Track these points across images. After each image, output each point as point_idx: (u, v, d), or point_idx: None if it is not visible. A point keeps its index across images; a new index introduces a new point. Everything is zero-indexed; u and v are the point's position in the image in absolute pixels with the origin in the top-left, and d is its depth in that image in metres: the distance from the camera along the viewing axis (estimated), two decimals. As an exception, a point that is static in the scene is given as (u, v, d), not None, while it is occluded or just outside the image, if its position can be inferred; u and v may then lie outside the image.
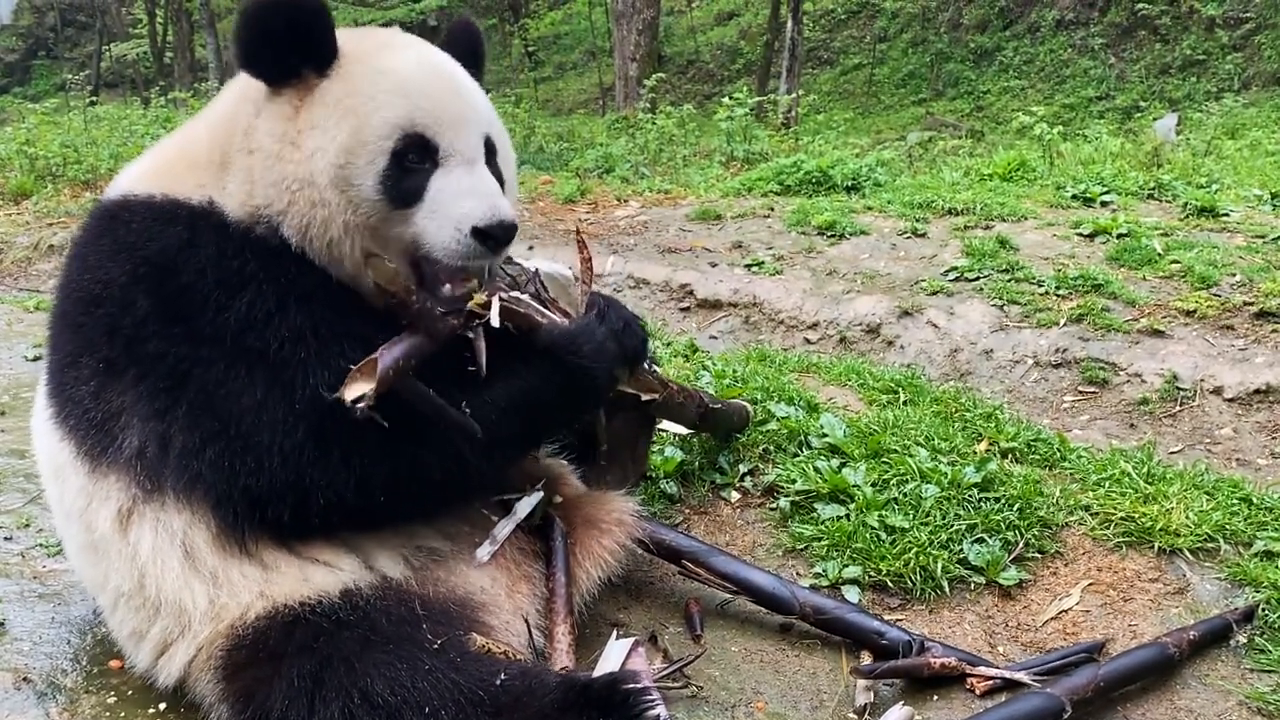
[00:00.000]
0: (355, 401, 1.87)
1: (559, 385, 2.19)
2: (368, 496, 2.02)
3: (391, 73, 2.09)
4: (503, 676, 1.94)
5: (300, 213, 2.03)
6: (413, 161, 2.06)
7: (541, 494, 2.39)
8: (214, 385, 1.98)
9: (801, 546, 2.94)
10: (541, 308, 2.24)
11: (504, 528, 2.32)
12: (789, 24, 17.03)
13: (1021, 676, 2.40)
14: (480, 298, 2.06)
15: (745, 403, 3.40)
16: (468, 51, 2.38)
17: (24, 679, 2.20)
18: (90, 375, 2.05)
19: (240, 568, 2.04)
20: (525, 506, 2.35)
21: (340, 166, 2.01)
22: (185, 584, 2.02)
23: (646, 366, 2.61)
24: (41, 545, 2.82)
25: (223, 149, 2.12)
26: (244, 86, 2.16)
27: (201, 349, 1.98)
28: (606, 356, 2.25)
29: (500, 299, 2.09)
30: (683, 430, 3.20)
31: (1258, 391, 4.53)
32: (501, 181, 2.23)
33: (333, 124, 2.03)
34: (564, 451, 2.65)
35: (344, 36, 2.13)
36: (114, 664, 2.29)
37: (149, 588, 2.04)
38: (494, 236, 2.05)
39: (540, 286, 2.41)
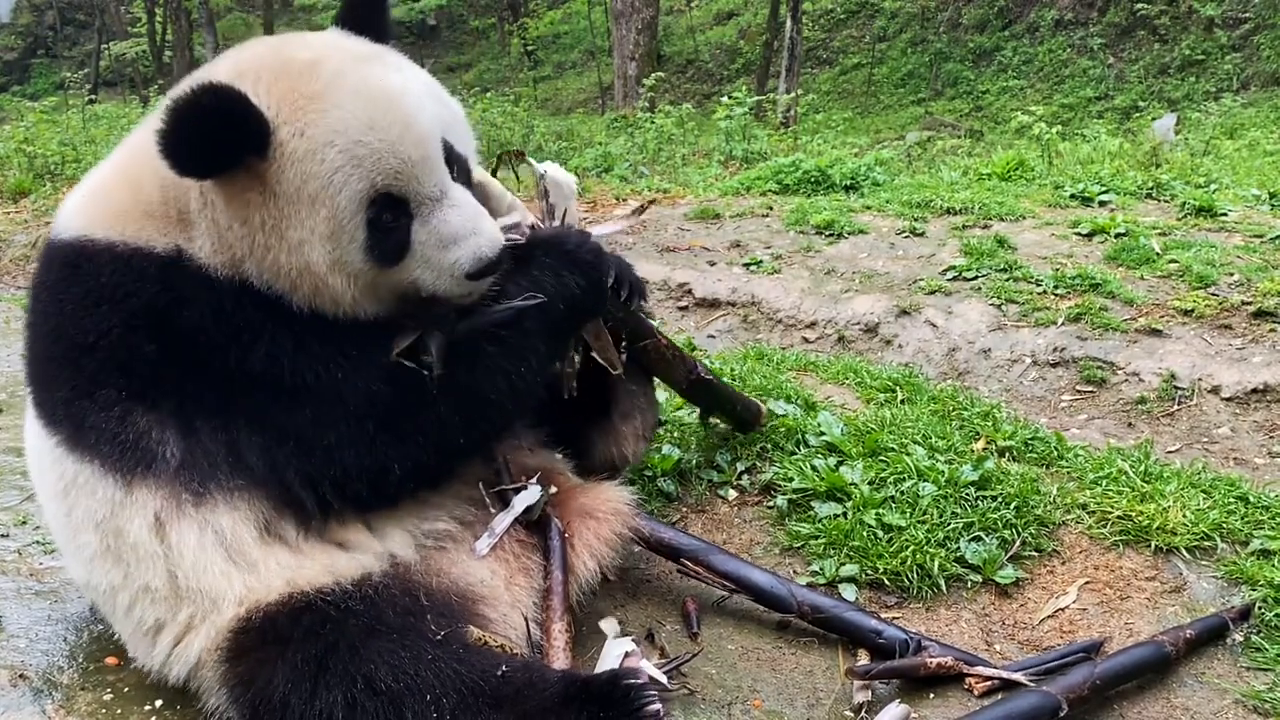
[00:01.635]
0: (413, 351, 2.04)
1: (560, 274, 2.22)
2: (444, 450, 2.13)
3: (334, 141, 1.96)
4: (504, 669, 1.96)
5: (306, 295, 2.04)
6: (388, 222, 2.03)
7: (540, 490, 2.39)
8: (263, 408, 2.04)
9: (799, 544, 2.94)
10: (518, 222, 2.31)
11: (502, 521, 2.33)
12: (788, 23, 17.04)
13: (1018, 677, 2.40)
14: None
15: (759, 402, 3.36)
16: (368, 20, 2.25)
17: (20, 676, 2.21)
18: (111, 403, 2.05)
19: (277, 557, 2.08)
20: (523, 501, 2.36)
21: (330, 252, 2.00)
22: (224, 574, 2.06)
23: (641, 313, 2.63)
24: (38, 542, 2.82)
25: (179, 209, 2.06)
26: None
27: (235, 383, 2.03)
28: (593, 243, 2.29)
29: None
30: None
31: (1255, 391, 4.53)
32: (468, 175, 2.21)
33: (305, 215, 1.98)
34: (578, 412, 2.63)
35: (261, 89, 1.97)
36: (110, 661, 2.29)
37: (182, 580, 2.06)
38: (485, 272, 2.10)
39: (544, 190, 2.49)
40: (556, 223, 2.48)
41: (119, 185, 2.18)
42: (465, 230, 2.06)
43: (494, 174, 2.54)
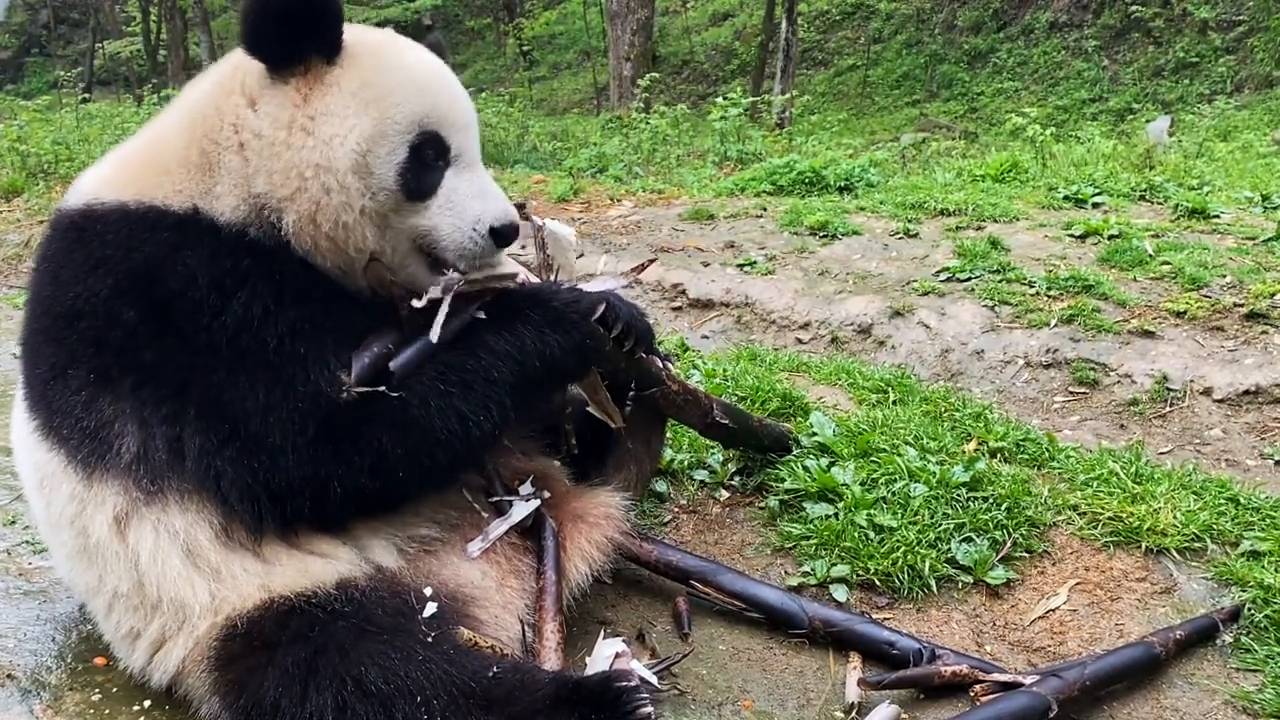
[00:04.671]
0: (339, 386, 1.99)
1: (543, 331, 2.19)
2: (384, 477, 2.06)
3: (406, 70, 2.14)
4: (495, 670, 1.96)
5: (311, 198, 2.03)
6: (429, 158, 2.12)
7: (538, 502, 2.39)
8: (217, 390, 1.99)
9: (790, 545, 2.94)
10: (510, 272, 2.25)
11: (498, 528, 2.33)
12: (783, 25, 17.04)
13: (1029, 682, 2.34)
14: (434, 292, 2.13)
15: (786, 426, 3.30)
16: None
17: (8, 676, 2.20)
18: (80, 386, 2.04)
19: (242, 562, 2.05)
20: (520, 511, 2.35)
21: (361, 154, 2.04)
22: (187, 581, 2.02)
23: (660, 364, 2.60)
24: (27, 542, 2.81)
25: (202, 148, 2.09)
26: (227, 80, 2.13)
27: (199, 356, 1.99)
28: (584, 305, 2.24)
29: (458, 286, 2.14)
30: None
31: (1247, 393, 4.54)
32: None
33: (351, 113, 2.05)
34: (577, 447, 2.63)
35: (344, 30, 2.13)
36: (99, 661, 2.28)
37: (149, 587, 2.03)
38: (506, 235, 2.17)
39: (542, 242, 2.50)
40: (553, 278, 2.47)
41: (138, 151, 2.22)
42: (496, 192, 2.20)
43: None
